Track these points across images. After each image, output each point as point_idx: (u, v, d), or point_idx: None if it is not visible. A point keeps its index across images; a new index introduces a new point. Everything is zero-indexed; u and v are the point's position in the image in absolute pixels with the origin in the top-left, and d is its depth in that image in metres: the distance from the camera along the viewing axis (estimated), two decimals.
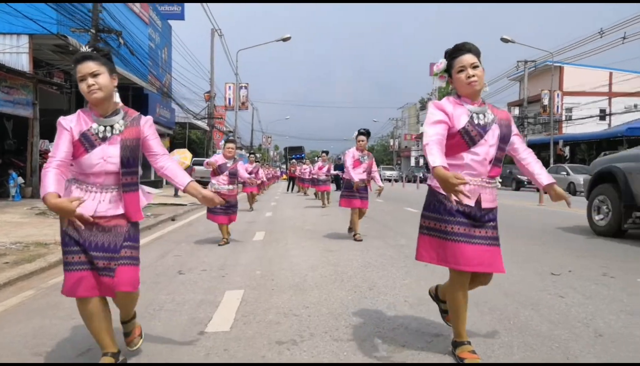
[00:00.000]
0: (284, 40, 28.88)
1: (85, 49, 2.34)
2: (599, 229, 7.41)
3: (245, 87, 34.62)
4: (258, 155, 24.60)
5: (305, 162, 24.02)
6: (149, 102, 20.48)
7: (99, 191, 2.31)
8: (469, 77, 2.37)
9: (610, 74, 34.70)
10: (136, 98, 18.93)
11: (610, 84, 34.79)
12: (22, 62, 13.35)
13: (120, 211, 2.34)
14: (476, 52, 2.41)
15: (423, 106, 62.80)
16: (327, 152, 15.86)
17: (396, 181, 42.01)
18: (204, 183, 22.40)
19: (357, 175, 6.78)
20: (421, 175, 35.33)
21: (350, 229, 7.14)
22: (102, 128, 2.30)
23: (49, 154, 2.27)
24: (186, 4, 25.44)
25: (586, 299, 3.68)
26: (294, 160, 31.42)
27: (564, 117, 34.20)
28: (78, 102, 16.74)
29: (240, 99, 33.61)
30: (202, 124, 29.55)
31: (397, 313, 3.36)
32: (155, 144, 2.43)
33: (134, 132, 2.35)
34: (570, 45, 27.56)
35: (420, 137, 51.59)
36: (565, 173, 22.29)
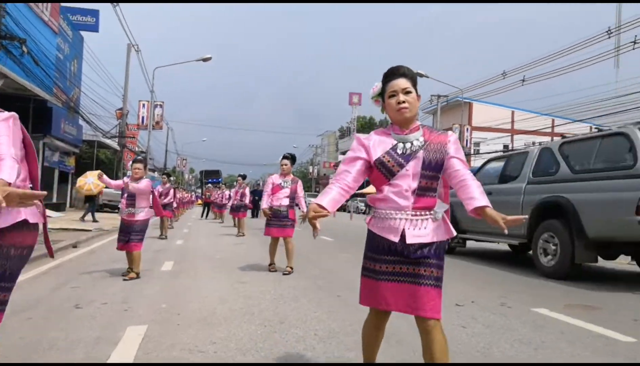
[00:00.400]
0: (204, 60, 28.38)
1: None
2: None
3: (161, 106, 33.44)
4: (172, 178, 23.69)
5: (221, 188, 23.57)
6: (53, 117, 19.12)
7: None
8: (399, 103, 2.20)
9: (513, 112, 38.06)
10: (38, 111, 17.60)
11: (512, 122, 37.93)
12: None
13: None
14: (411, 77, 2.24)
15: (342, 134, 64.53)
16: (244, 177, 15.52)
17: None
18: (112, 206, 20.74)
19: (275, 201, 6.69)
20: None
21: (270, 267, 6.81)
22: None
23: None
24: (101, 16, 24.32)
25: (486, 328, 3.88)
26: (210, 185, 30.59)
27: (472, 151, 36.72)
28: None
29: (155, 118, 32.32)
30: (113, 143, 28.04)
31: (306, 347, 3.32)
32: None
33: None
34: (478, 83, 29.69)
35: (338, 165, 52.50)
36: None
